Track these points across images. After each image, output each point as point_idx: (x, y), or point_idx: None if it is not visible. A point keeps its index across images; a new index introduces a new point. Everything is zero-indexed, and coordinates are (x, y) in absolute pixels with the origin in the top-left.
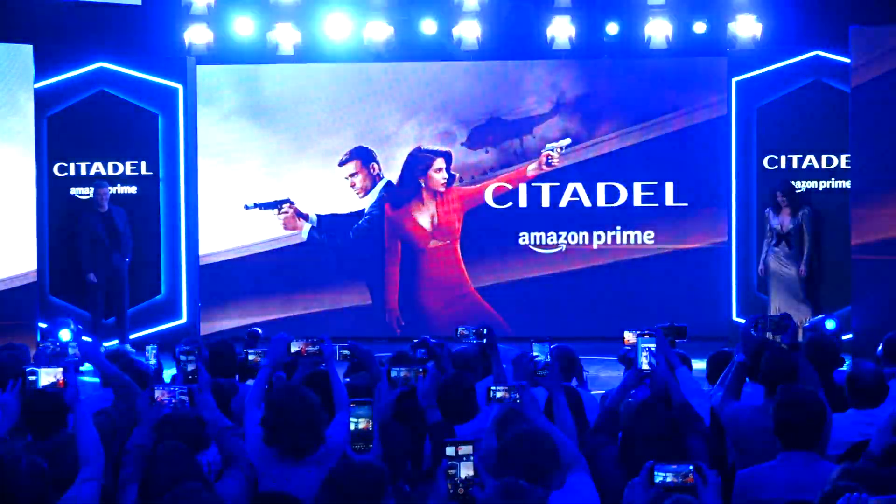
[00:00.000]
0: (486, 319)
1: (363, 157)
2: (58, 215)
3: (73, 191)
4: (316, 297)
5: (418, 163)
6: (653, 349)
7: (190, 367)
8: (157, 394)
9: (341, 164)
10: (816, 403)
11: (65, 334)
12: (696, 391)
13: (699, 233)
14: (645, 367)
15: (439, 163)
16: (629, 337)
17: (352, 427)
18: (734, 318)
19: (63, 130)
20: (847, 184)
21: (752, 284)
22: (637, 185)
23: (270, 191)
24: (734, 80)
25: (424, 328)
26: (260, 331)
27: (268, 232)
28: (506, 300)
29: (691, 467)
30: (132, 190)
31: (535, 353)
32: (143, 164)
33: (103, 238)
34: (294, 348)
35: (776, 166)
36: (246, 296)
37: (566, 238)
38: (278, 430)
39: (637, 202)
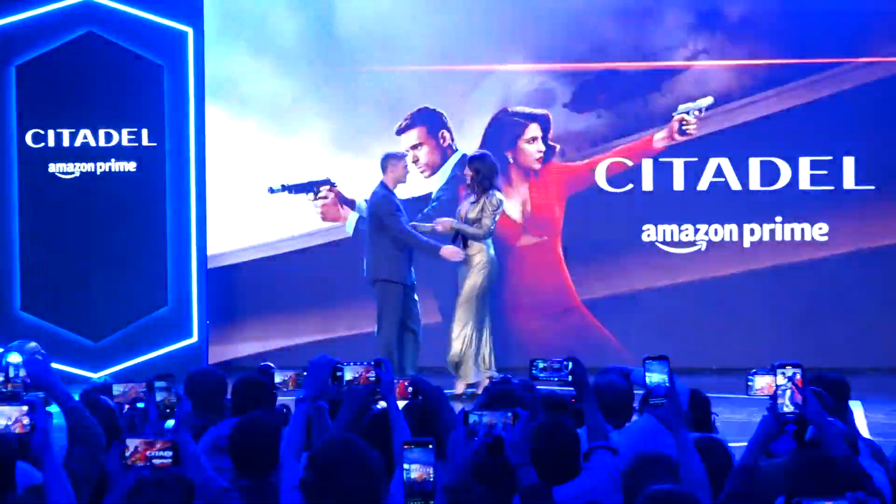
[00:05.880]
0: (597, 342)
1: (429, 122)
2: (32, 200)
3: (53, 168)
4: (363, 311)
5: (505, 130)
6: (798, 382)
7: (164, 398)
8: (131, 448)
9: (400, 131)
10: None
11: (14, 358)
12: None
13: (889, 226)
14: (787, 408)
15: (533, 130)
16: (762, 382)
17: (404, 476)
18: None
19: (38, 86)
20: None
21: None
22: (804, 161)
23: (304, 169)
24: None
25: (513, 354)
26: (273, 366)
27: (300, 224)
28: (624, 317)
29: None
30: (130, 166)
31: (648, 376)
32: (145, 132)
33: None
34: (350, 375)
35: None
36: (269, 310)
37: (706, 233)
38: (324, 498)
39: (804, 184)
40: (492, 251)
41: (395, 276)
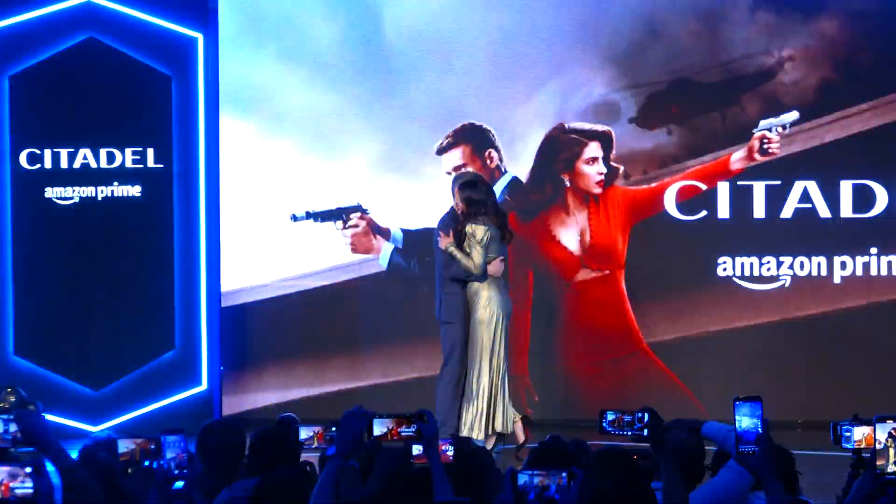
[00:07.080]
0: (665, 390)
1: (474, 139)
2: (26, 229)
3: (49, 192)
4: (400, 356)
5: (561, 149)
6: None
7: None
8: None
9: (441, 151)
10: None
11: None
12: None
13: None
14: (891, 468)
15: (593, 149)
16: (861, 434)
17: None
18: None
19: (33, 99)
20: None
21: None
22: None
23: (331, 193)
24: None
25: (570, 405)
26: (295, 417)
27: (326, 257)
28: (695, 362)
29: None
30: (135, 191)
31: (738, 419)
32: (150, 151)
33: None
34: (378, 430)
35: None
36: (290, 355)
37: (791, 267)
38: None
39: None
40: (497, 294)
41: (452, 316)
